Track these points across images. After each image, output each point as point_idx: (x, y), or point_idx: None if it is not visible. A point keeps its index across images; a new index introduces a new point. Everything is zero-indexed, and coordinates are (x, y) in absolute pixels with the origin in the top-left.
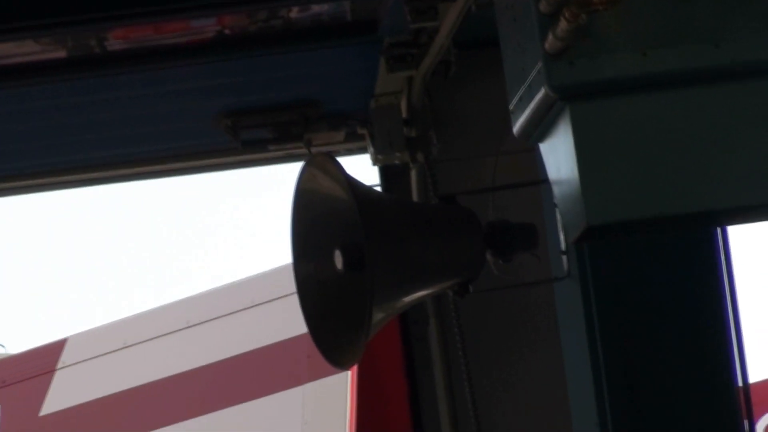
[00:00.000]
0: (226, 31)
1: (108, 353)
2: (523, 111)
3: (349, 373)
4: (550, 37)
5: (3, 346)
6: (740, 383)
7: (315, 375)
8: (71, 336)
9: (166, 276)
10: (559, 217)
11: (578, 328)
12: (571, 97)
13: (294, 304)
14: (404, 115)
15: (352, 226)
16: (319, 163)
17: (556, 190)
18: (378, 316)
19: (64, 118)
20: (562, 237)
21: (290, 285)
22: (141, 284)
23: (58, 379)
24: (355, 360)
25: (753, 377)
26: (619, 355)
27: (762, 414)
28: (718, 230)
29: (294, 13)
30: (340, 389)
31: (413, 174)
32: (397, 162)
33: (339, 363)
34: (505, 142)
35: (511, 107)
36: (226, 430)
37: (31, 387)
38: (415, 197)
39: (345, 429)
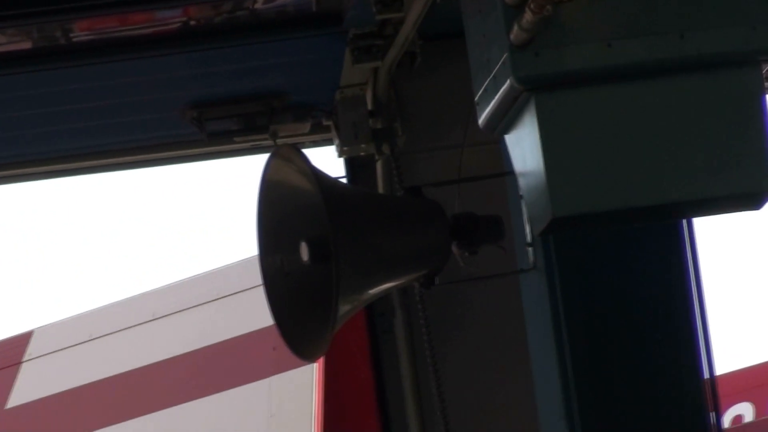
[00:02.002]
0: (192, 22)
1: (74, 345)
2: (488, 102)
3: (315, 365)
4: (516, 28)
5: None
6: (707, 375)
7: (281, 367)
8: (37, 328)
9: (134, 268)
10: (524, 208)
11: (544, 319)
12: (536, 88)
13: (259, 296)
14: (369, 106)
15: (317, 219)
16: (284, 154)
17: (522, 182)
18: (344, 308)
19: (28, 109)
20: (527, 229)
21: (255, 277)
22: (109, 275)
23: (24, 372)
24: (321, 352)
25: (721, 369)
26: (584, 347)
27: (730, 405)
28: (684, 222)
29: (259, 4)
30: (306, 381)
31: (379, 166)
32: (362, 153)
33: (305, 355)
34: (470, 134)
35: (476, 99)
36: (192, 422)
37: None
38: (380, 189)
39: (311, 421)
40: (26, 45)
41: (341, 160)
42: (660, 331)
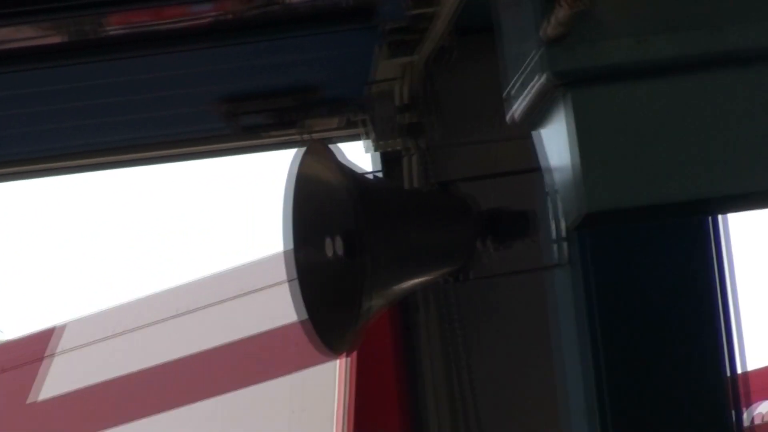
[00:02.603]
0: (224, 17)
1: (99, 341)
2: (520, 97)
3: (337, 362)
4: (551, 22)
5: (1, 331)
6: (730, 373)
7: (303, 364)
8: (66, 323)
9: (159, 263)
10: (554, 204)
11: (576, 314)
12: (571, 83)
13: (283, 292)
14: (401, 101)
15: (348, 214)
16: (315, 150)
17: (555, 177)
18: (374, 302)
19: (62, 103)
20: (554, 224)
21: (279, 274)
22: (137, 271)
23: (53, 365)
24: (351, 346)
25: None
26: (616, 342)
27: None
28: (717, 217)
29: None
30: (328, 378)
31: (411, 160)
32: (396, 148)
33: (336, 349)
34: (503, 129)
35: (506, 93)
36: (215, 418)
37: (24, 373)
38: (411, 184)
39: (333, 417)
40: (59, 39)
41: (371, 155)
42: (689, 328)
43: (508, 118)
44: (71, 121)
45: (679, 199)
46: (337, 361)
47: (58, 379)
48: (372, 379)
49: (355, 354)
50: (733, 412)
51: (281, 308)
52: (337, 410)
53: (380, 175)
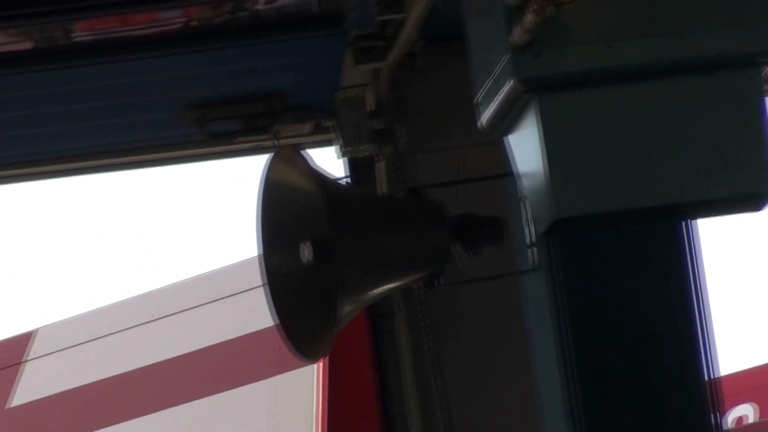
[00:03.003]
0: (193, 23)
1: (75, 346)
2: (489, 103)
3: (316, 366)
4: (517, 29)
5: None
6: (709, 377)
7: (282, 368)
8: (41, 328)
9: (135, 270)
10: (525, 210)
11: (546, 320)
12: (538, 90)
13: (260, 297)
14: (371, 107)
15: (319, 219)
16: (285, 155)
17: (524, 183)
18: (346, 308)
19: (29, 109)
20: (528, 230)
21: (256, 278)
22: (110, 276)
23: (27, 371)
24: (324, 352)
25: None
26: (587, 347)
27: (734, 406)
28: (686, 223)
29: (260, 4)
30: (307, 382)
31: (380, 166)
32: (364, 154)
33: (308, 355)
34: (472, 135)
35: (476, 100)
36: (195, 423)
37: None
38: (382, 190)
39: (312, 421)
40: (27, 45)
41: (342, 161)
42: (662, 332)
43: (479, 124)
44: (38, 127)
45: (648, 204)
46: (317, 365)
47: (29, 386)
48: (346, 383)
49: (326, 359)
50: (713, 415)
51: (260, 312)
52: (316, 413)
53: (347, 181)
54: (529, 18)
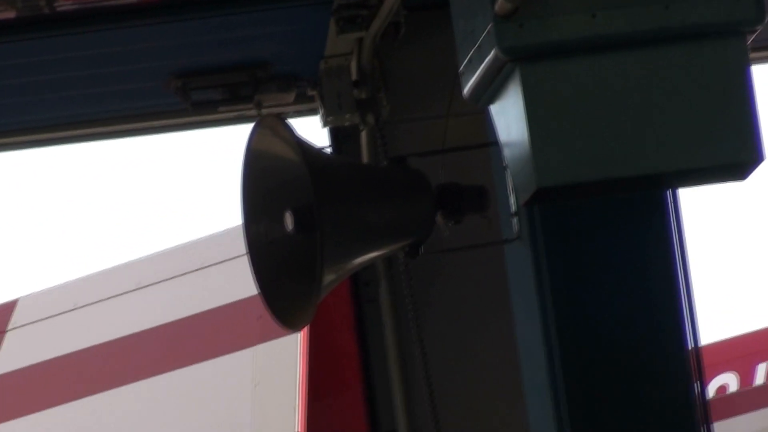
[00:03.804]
0: None
1: (58, 314)
2: (472, 73)
3: (300, 334)
4: None
5: None
6: (691, 346)
7: (265, 337)
8: (22, 297)
9: (119, 237)
10: (509, 179)
11: (528, 289)
12: (521, 59)
13: (244, 265)
14: (354, 76)
15: (302, 188)
16: (269, 124)
17: (506, 152)
18: (328, 277)
19: (12, 78)
20: (512, 199)
21: (240, 247)
22: (94, 245)
23: (8, 341)
24: (306, 321)
25: (706, 340)
26: (568, 316)
27: (715, 375)
28: (669, 193)
29: None
30: (290, 351)
31: (363, 136)
32: (347, 124)
33: (290, 324)
34: (455, 105)
35: (460, 69)
36: (177, 392)
37: None
38: (365, 159)
39: (295, 390)
40: (10, 14)
41: (326, 131)
42: (644, 301)
43: (463, 93)
44: (21, 96)
45: (630, 174)
46: (300, 333)
47: (11, 355)
48: (328, 352)
49: (308, 328)
50: (697, 383)
51: (243, 281)
52: (300, 382)
53: (329, 150)
54: None
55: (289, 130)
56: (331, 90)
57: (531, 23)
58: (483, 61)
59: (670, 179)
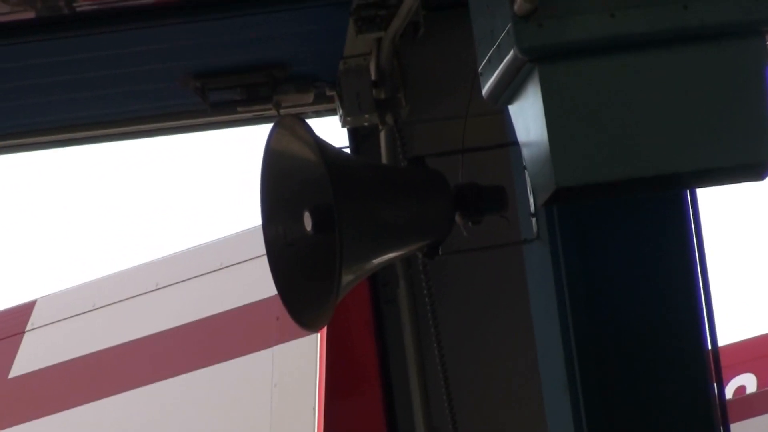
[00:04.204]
0: None
1: (77, 315)
2: (491, 73)
3: (319, 335)
4: None
5: None
6: (709, 346)
7: (284, 337)
8: (40, 298)
9: (137, 238)
10: (528, 179)
11: (547, 289)
12: (539, 59)
13: (263, 266)
14: (373, 76)
15: (321, 188)
16: (287, 124)
17: (525, 153)
18: (347, 277)
19: (32, 79)
20: (531, 199)
21: (259, 247)
22: (112, 246)
23: (27, 341)
24: (324, 322)
25: (724, 340)
26: (586, 317)
27: (733, 376)
28: (688, 192)
29: None
30: (309, 351)
31: (382, 136)
32: (366, 124)
33: (309, 325)
34: (474, 104)
35: (479, 69)
36: (196, 393)
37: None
38: (384, 159)
39: (315, 391)
40: (29, 14)
41: (344, 131)
42: (663, 302)
43: (482, 93)
44: (41, 97)
45: (649, 174)
46: (319, 334)
47: (30, 356)
48: (347, 353)
49: (327, 328)
50: (715, 384)
51: (263, 282)
52: (319, 382)
53: (348, 150)
54: None
55: (308, 130)
56: (350, 90)
57: (550, 23)
58: (502, 61)
59: (689, 179)
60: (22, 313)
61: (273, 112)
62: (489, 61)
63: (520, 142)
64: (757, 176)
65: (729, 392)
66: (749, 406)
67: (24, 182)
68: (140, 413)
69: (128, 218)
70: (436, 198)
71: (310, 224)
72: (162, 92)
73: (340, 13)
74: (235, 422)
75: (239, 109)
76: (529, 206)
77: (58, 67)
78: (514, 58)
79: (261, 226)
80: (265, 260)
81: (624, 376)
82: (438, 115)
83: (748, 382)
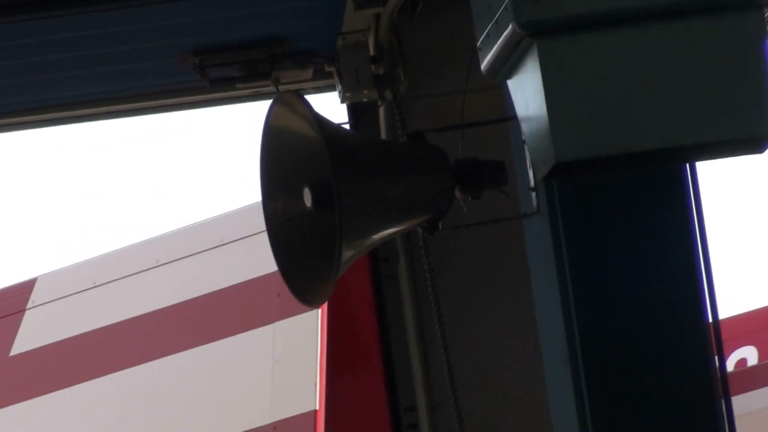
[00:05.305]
0: None
1: (78, 293)
2: (490, 48)
3: (319, 311)
4: None
5: None
6: (710, 319)
7: (285, 313)
8: (41, 276)
9: (138, 215)
10: (527, 153)
11: (547, 264)
12: (538, 34)
13: (264, 242)
14: (372, 52)
15: (320, 164)
16: (286, 100)
17: (525, 127)
18: (347, 253)
19: (30, 57)
20: (530, 174)
21: (259, 223)
22: (114, 223)
23: (28, 319)
24: (325, 298)
25: (725, 313)
26: (587, 290)
27: (734, 349)
28: (687, 167)
29: None
30: (310, 327)
31: (381, 112)
32: (365, 100)
33: (309, 301)
34: (472, 79)
35: (478, 44)
36: (198, 369)
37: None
38: (383, 135)
39: (316, 367)
40: None
41: (344, 107)
42: (663, 275)
43: (481, 68)
44: (39, 75)
45: (648, 147)
46: (320, 309)
47: (32, 334)
48: (348, 328)
49: (327, 304)
50: (716, 357)
51: (263, 258)
52: (320, 358)
53: (347, 126)
54: None
55: (307, 106)
56: (348, 66)
57: None
58: (500, 36)
59: (688, 153)
60: (23, 291)
61: (272, 88)
62: (487, 35)
63: (519, 117)
64: (757, 149)
65: (730, 365)
66: (750, 378)
67: (24, 160)
68: (142, 390)
69: (129, 195)
70: (435, 173)
71: (309, 200)
72: (161, 69)
73: None
74: (236, 399)
75: (238, 85)
76: (528, 181)
77: (56, 45)
78: (513, 33)
79: (261, 203)
80: (265, 236)
81: (625, 349)
82: (437, 90)
83: (749, 354)
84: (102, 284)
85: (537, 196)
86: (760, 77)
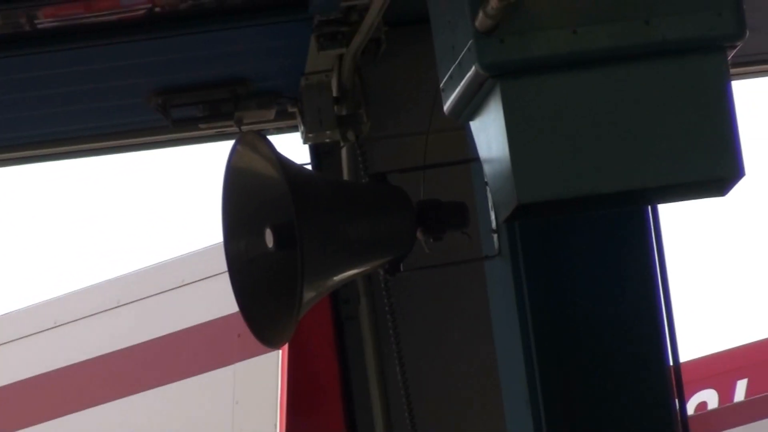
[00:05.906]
0: (157, 9)
1: (37, 333)
2: (453, 89)
3: (280, 352)
4: (481, 14)
5: None
6: (671, 363)
7: (245, 354)
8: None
9: (99, 255)
10: (489, 195)
11: (508, 306)
12: (501, 75)
13: (224, 283)
14: (335, 93)
15: (282, 205)
16: (249, 141)
17: (487, 169)
18: (309, 294)
19: None
20: (492, 215)
21: (220, 264)
22: (74, 262)
23: None
24: (286, 339)
25: (686, 356)
26: (548, 334)
27: (694, 392)
28: (649, 209)
29: None
30: (270, 368)
31: (344, 152)
32: (327, 140)
33: (270, 342)
34: (435, 121)
35: (441, 85)
36: (157, 409)
37: None
38: (345, 176)
39: (276, 408)
40: None
41: (306, 147)
42: (625, 319)
43: (444, 109)
44: (2, 113)
45: (612, 189)
46: (281, 350)
47: None
48: (308, 369)
49: (287, 346)
50: (676, 401)
51: (224, 298)
52: (280, 399)
53: (309, 167)
54: (492, 3)
55: (270, 147)
56: (311, 106)
57: (512, 39)
58: (464, 77)
59: (651, 195)
60: None
61: (235, 128)
62: (450, 77)
63: (481, 158)
64: (719, 192)
65: (691, 408)
66: (711, 421)
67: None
68: (100, 431)
69: (90, 235)
70: (397, 214)
71: (271, 241)
72: (124, 109)
73: (302, 30)
74: None
75: (201, 125)
76: (490, 222)
77: (19, 84)
78: (476, 74)
79: (222, 243)
80: (226, 277)
81: (586, 392)
82: (400, 131)
83: (710, 398)
84: (62, 324)
85: (499, 237)
86: (723, 120)
